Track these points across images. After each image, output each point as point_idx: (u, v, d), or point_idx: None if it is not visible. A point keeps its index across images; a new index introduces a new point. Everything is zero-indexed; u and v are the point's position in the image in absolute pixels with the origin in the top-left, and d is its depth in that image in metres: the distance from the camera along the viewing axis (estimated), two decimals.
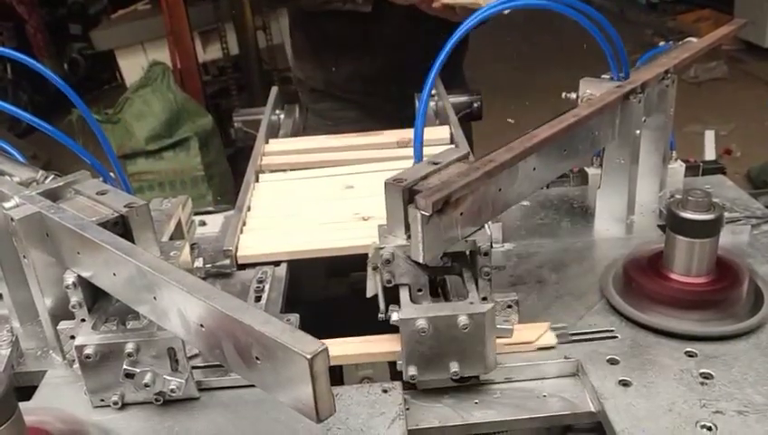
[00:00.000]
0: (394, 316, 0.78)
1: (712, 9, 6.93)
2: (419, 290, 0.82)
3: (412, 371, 0.78)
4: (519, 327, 0.84)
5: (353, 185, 1.24)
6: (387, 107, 1.84)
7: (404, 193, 0.77)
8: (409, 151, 1.37)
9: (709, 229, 0.87)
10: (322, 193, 1.23)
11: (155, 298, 0.68)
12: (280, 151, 1.40)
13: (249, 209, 1.17)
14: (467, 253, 0.82)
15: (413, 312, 0.77)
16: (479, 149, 1.99)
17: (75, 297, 0.80)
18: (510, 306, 0.85)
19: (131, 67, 4.58)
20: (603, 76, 1.17)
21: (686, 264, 0.89)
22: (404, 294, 0.80)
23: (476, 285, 0.80)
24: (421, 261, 0.77)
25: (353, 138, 1.45)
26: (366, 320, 1.23)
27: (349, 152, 1.38)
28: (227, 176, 3.65)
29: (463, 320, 0.75)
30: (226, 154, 3.71)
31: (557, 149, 0.94)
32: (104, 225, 0.78)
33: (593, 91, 1.10)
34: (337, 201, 1.19)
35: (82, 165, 1.02)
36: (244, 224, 1.13)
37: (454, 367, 0.78)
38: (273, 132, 1.67)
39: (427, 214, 0.74)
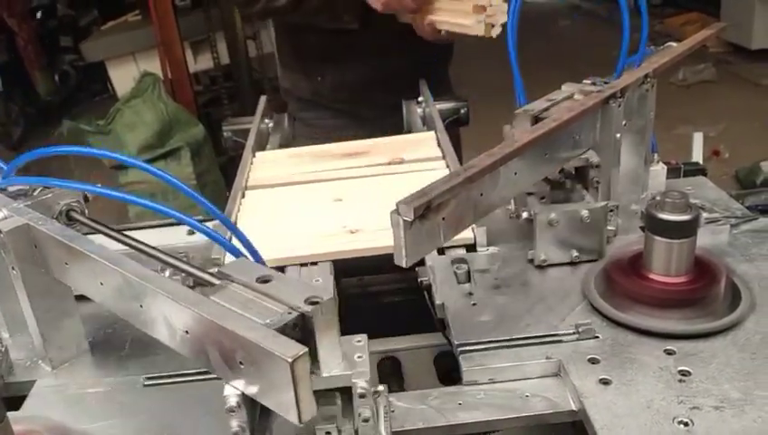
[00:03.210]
0: (524, 214, 1.04)
1: (699, 12, 7.01)
2: (542, 197, 1.07)
3: (543, 256, 1.02)
4: None
5: (342, 198, 1.24)
6: (374, 114, 1.86)
7: (531, 119, 1.02)
8: (399, 168, 1.37)
9: (686, 230, 0.88)
10: (310, 205, 1.23)
11: (141, 306, 0.70)
12: (266, 178, 1.36)
13: (235, 223, 1.18)
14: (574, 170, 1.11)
15: (546, 209, 1.01)
16: (470, 153, 2.01)
17: (238, 421, 0.63)
18: (612, 210, 1.06)
19: (122, 78, 4.59)
20: (585, 81, 1.19)
21: (665, 264, 0.90)
22: (532, 199, 1.06)
23: (588, 192, 1.08)
24: (404, 266, 0.79)
25: (343, 160, 1.41)
26: (378, 321, 1.25)
27: (338, 171, 1.36)
28: (220, 185, 3.66)
29: (585, 213, 0.99)
30: (218, 163, 3.73)
31: (538, 153, 0.96)
32: (283, 329, 0.60)
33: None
34: (325, 214, 1.19)
35: (73, 177, 1.03)
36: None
37: (575, 253, 1.02)
38: (263, 142, 1.68)
39: (408, 219, 0.76)
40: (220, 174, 3.67)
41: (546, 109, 1.07)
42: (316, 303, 0.62)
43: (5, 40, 5.40)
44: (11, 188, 0.94)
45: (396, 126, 1.81)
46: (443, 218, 0.82)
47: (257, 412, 0.65)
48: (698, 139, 2.46)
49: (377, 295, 1.24)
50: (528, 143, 0.91)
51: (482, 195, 0.87)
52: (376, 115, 1.85)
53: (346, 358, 0.67)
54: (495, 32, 1.62)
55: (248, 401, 0.62)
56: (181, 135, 3.41)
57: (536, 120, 1.04)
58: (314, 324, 0.62)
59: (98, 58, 4.85)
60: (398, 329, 1.24)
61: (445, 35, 1.67)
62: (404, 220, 0.76)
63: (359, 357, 0.69)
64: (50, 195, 0.89)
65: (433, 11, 1.64)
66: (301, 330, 0.62)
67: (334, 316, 0.63)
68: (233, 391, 0.62)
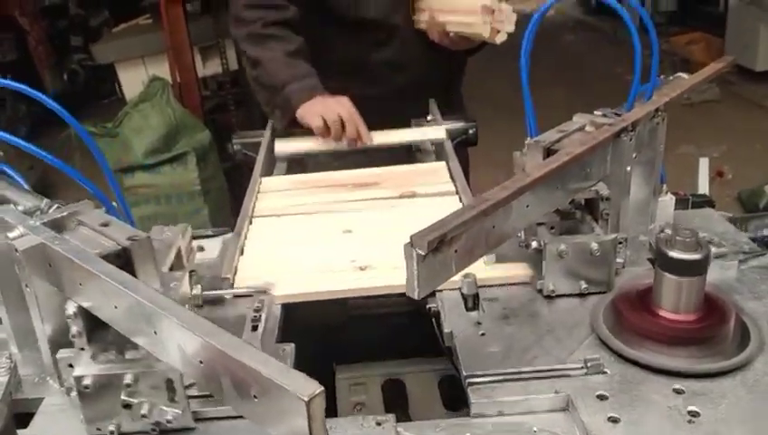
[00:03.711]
0: (534, 244, 1.03)
1: (704, 32, 7.02)
2: (552, 227, 1.06)
3: (551, 286, 1.02)
4: None
5: (351, 229, 1.23)
6: (388, 127, 1.88)
7: (543, 151, 1.03)
8: (410, 201, 1.35)
9: (696, 268, 0.89)
10: (319, 237, 1.22)
11: (155, 332, 0.70)
12: (273, 208, 1.35)
13: (243, 253, 1.17)
14: (583, 202, 1.10)
15: (556, 240, 1.02)
16: (477, 169, 2.02)
17: (76, 327, 0.81)
18: (620, 243, 1.07)
19: (131, 80, 4.61)
20: (596, 112, 1.20)
21: (675, 301, 0.91)
22: (542, 229, 1.05)
23: (597, 223, 1.07)
24: (416, 298, 0.79)
25: (352, 191, 1.39)
26: (384, 343, 1.25)
27: (347, 203, 1.35)
28: (223, 191, 3.67)
29: (594, 246, 1.00)
30: (223, 169, 3.73)
31: (550, 185, 0.96)
32: (107, 257, 0.79)
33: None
34: (334, 247, 1.18)
35: (76, 181, 1.04)
36: (242, 253, 1.14)
37: (583, 284, 1.02)
38: (272, 157, 1.69)
39: (422, 253, 0.76)
40: (224, 180, 3.67)
41: (558, 140, 1.07)
42: (135, 240, 0.83)
43: (16, 39, 5.42)
44: (26, 205, 0.95)
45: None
46: (455, 251, 0.82)
47: (94, 323, 0.80)
48: (704, 165, 2.45)
49: (383, 318, 1.25)
50: (541, 177, 0.92)
51: (494, 227, 0.88)
52: (390, 127, 1.87)
53: (163, 285, 0.88)
54: (500, 38, 1.64)
55: (84, 312, 0.79)
56: (187, 140, 3.42)
57: (548, 152, 1.05)
58: (132, 256, 0.82)
59: (108, 60, 4.87)
60: (403, 351, 1.25)
61: (454, 37, 1.69)
62: (417, 253, 0.77)
63: (173, 285, 0.91)
64: (65, 213, 0.90)
65: (445, 12, 1.68)
66: (123, 260, 0.81)
67: (150, 252, 0.84)
68: (72, 303, 0.79)
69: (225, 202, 3.67)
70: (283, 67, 1.66)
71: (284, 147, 1.58)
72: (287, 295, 1.06)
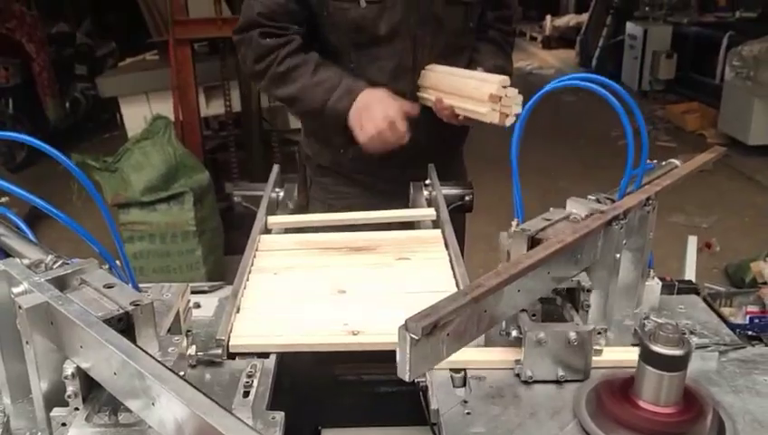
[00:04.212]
0: (514, 332, 1.05)
1: (700, 102, 7.22)
2: (533, 315, 1.07)
3: (529, 372, 1.04)
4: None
5: (345, 290, 1.26)
6: (389, 187, 1.93)
7: (528, 240, 1.05)
8: (405, 262, 1.40)
9: (677, 364, 0.92)
10: (314, 294, 1.25)
11: (153, 404, 0.72)
12: (270, 268, 1.38)
13: (238, 310, 1.20)
14: (565, 290, 1.11)
15: (536, 327, 1.03)
16: (476, 222, 2.05)
17: (72, 387, 0.83)
18: (600, 333, 1.08)
19: (134, 115, 4.67)
20: (590, 197, 1.24)
21: (655, 393, 0.93)
22: (523, 315, 1.06)
23: (577, 313, 1.08)
24: (407, 380, 0.82)
25: (349, 255, 1.43)
26: (352, 410, 1.26)
27: (344, 267, 1.38)
28: (218, 231, 3.69)
29: (572, 335, 1.01)
30: (220, 208, 3.76)
31: (542, 271, 1.00)
32: (108, 321, 0.81)
33: (579, 211, 1.18)
34: (327, 307, 1.20)
35: (72, 209, 1.06)
36: (237, 311, 1.17)
37: (560, 372, 1.03)
38: (273, 208, 1.72)
39: (416, 337, 0.79)
40: (220, 221, 3.69)
41: (543, 229, 1.09)
42: (137, 305, 0.84)
43: (21, 64, 5.50)
44: (31, 257, 0.98)
45: (408, 199, 1.87)
46: (447, 334, 0.85)
47: (90, 383, 0.83)
48: (692, 244, 2.49)
49: (371, 384, 1.26)
50: (533, 265, 0.95)
51: (486, 311, 0.91)
52: (390, 187, 1.92)
53: (161, 348, 0.87)
54: (509, 121, 1.70)
55: (82, 373, 0.81)
56: (186, 180, 3.46)
57: (533, 241, 1.07)
58: (134, 320, 0.84)
59: (112, 94, 4.93)
60: (388, 418, 1.26)
61: (462, 120, 1.76)
62: (411, 338, 0.79)
63: (171, 350, 0.89)
64: (70, 270, 0.92)
65: (453, 96, 1.74)
66: (124, 323, 0.83)
67: (151, 316, 0.85)
68: (70, 363, 0.82)
69: (220, 243, 3.69)
70: (316, 89, 1.70)
71: (276, 220, 1.61)
72: (277, 345, 1.09)
